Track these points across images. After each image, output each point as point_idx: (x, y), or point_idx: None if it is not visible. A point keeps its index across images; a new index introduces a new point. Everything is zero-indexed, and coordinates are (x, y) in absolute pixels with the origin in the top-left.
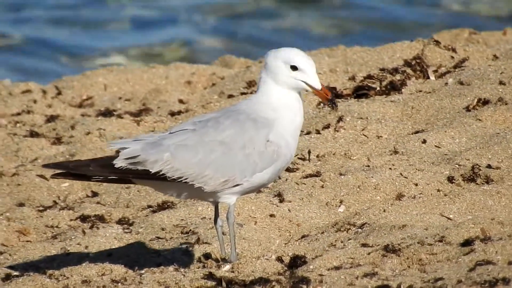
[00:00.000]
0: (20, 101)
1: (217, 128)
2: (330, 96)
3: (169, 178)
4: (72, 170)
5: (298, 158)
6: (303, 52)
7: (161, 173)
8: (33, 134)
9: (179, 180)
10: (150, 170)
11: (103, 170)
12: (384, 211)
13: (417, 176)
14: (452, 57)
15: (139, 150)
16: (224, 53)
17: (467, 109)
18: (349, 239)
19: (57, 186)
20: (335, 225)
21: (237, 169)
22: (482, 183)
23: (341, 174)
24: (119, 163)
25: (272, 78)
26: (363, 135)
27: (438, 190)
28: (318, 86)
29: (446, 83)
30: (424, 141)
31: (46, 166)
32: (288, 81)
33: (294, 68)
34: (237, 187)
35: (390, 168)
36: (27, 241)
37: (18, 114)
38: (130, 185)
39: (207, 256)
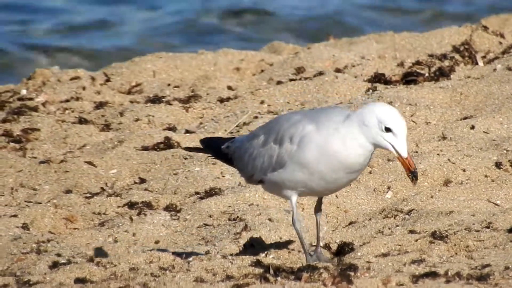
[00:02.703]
0: (69, 88)
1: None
2: (413, 168)
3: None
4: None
5: None
6: (400, 114)
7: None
8: (82, 121)
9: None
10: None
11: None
12: (432, 197)
13: (465, 162)
14: (501, 43)
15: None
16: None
17: None
18: (397, 226)
19: (104, 173)
20: (382, 211)
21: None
22: None
23: (388, 160)
24: (224, 145)
25: (360, 126)
26: (412, 121)
27: (486, 176)
28: (405, 154)
29: (495, 69)
30: (473, 127)
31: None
32: (377, 139)
33: (388, 130)
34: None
35: (438, 154)
36: (75, 228)
37: (67, 101)
38: (178, 171)
39: (254, 243)
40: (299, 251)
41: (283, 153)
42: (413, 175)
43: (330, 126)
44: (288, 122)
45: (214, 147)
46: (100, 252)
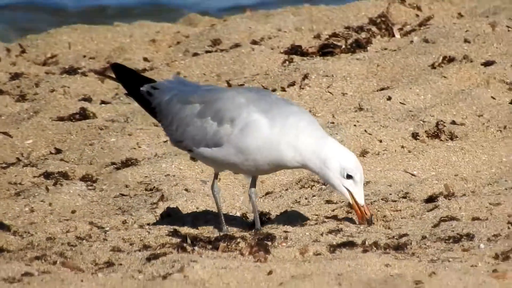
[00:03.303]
0: None
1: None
2: (369, 216)
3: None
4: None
5: None
6: (359, 162)
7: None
8: None
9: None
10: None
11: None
12: None
13: (382, 132)
14: (417, 15)
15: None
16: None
17: (432, 66)
18: (313, 196)
19: (20, 143)
20: (299, 182)
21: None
22: (446, 140)
23: None
24: (144, 88)
25: (321, 166)
26: (329, 92)
27: (402, 147)
28: (362, 202)
29: (411, 41)
30: (389, 98)
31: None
32: (336, 183)
33: (349, 177)
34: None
35: (354, 125)
36: None
37: None
38: (93, 141)
39: (171, 213)
40: (215, 222)
41: (221, 133)
42: (368, 222)
43: (289, 127)
44: (232, 103)
45: (131, 85)
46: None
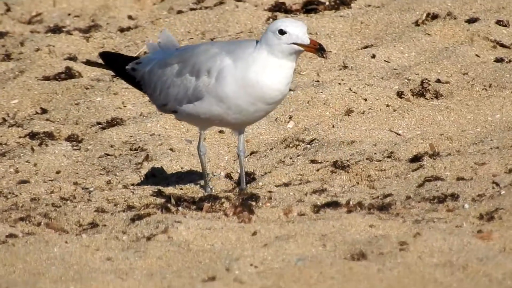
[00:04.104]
0: None
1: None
2: (318, 45)
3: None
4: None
5: None
6: (293, 19)
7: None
8: None
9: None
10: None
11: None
12: (333, 126)
13: (366, 91)
14: None
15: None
16: None
17: (416, 23)
18: (298, 156)
19: (6, 103)
20: (284, 141)
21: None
22: (431, 98)
23: (290, 90)
24: (129, 66)
25: (267, 49)
26: None
27: (387, 106)
28: (307, 41)
29: None
30: (373, 56)
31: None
32: (281, 48)
33: (282, 32)
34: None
35: (339, 83)
36: None
37: None
38: (79, 101)
39: (156, 172)
40: (200, 182)
41: (200, 86)
42: (320, 51)
43: (246, 58)
44: (206, 54)
45: (117, 66)
46: None
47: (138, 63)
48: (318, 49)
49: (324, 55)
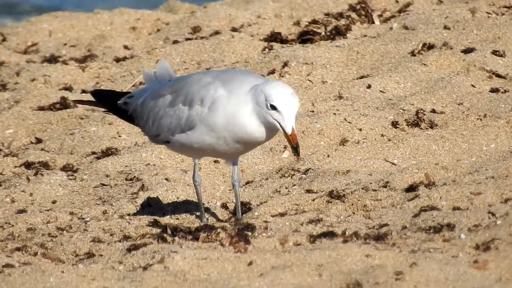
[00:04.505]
0: None
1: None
2: (295, 144)
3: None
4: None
5: None
6: (288, 92)
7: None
8: None
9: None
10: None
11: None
12: (328, 156)
13: (361, 121)
14: (397, 1)
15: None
16: None
17: (412, 53)
18: (294, 185)
19: (1, 133)
20: (279, 171)
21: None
22: (426, 128)
23: None
24: (121, 100)
25: (254, 105)
26: (308, 80)
27: (382, 135)
28: (288, 131)
29: (391, 28)
30: (369, 86)
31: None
32: (267, 118)
33: (273, 107)
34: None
35: (334, 113)
36: None
37: None
38: (74, 131)
39: (152, 202)
40: (196, 212)
41: (193, 115)
42: (294, 150)
43: (239, 96)
44: (198, 83)
45: (109, 102)
46: None
47: (130, 97)
48: (293, 147)
49: (296, 155)
